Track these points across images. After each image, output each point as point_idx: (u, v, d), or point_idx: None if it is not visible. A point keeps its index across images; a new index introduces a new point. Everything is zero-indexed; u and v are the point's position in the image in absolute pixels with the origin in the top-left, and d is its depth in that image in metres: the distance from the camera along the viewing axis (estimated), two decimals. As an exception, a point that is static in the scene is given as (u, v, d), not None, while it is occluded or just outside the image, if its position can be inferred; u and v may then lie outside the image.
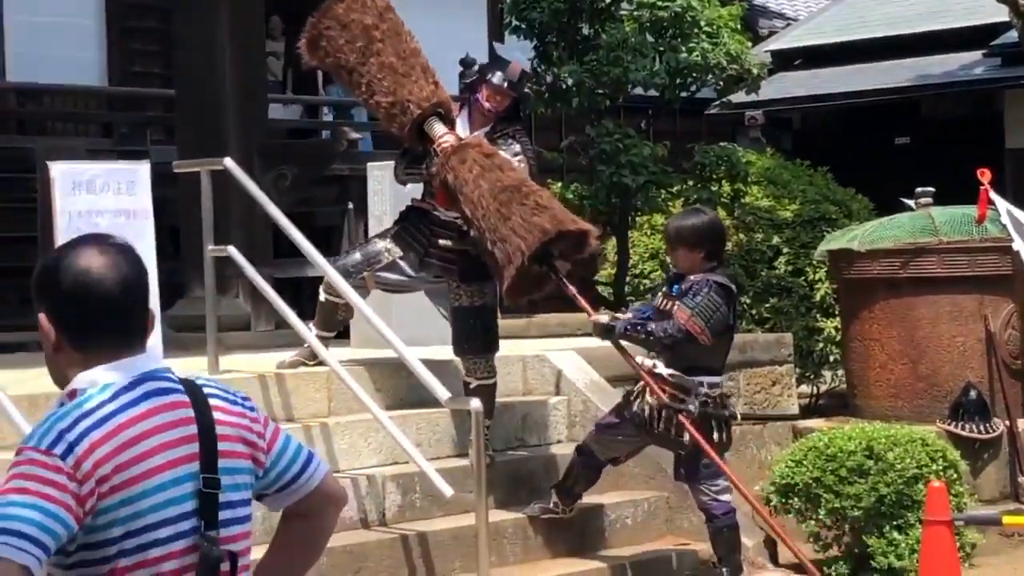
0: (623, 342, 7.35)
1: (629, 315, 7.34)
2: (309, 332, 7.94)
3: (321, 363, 7.89)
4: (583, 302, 7.50)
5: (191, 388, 3.06)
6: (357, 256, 7.95)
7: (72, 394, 2.99)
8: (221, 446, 3.05)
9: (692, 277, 7.29)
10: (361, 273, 7.78)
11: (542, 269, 7.32)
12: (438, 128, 7.48)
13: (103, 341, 2.99)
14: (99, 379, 2.97)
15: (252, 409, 3.16)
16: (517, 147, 7.65)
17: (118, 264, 3.01)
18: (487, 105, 7.65)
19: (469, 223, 7.34)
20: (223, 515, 3.04)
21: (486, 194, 7.23)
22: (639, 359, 7.41)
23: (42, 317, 3.01)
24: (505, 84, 7.62)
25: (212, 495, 3.01)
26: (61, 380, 3.05)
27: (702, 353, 7.22)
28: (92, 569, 2.92)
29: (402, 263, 7.77)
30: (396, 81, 7.51)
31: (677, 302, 7.21)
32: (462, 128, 7.69)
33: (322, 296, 7.91)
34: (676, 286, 7.37)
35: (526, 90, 7.81)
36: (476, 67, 7.94)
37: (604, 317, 7.41)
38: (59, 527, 2.83)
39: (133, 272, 3.03)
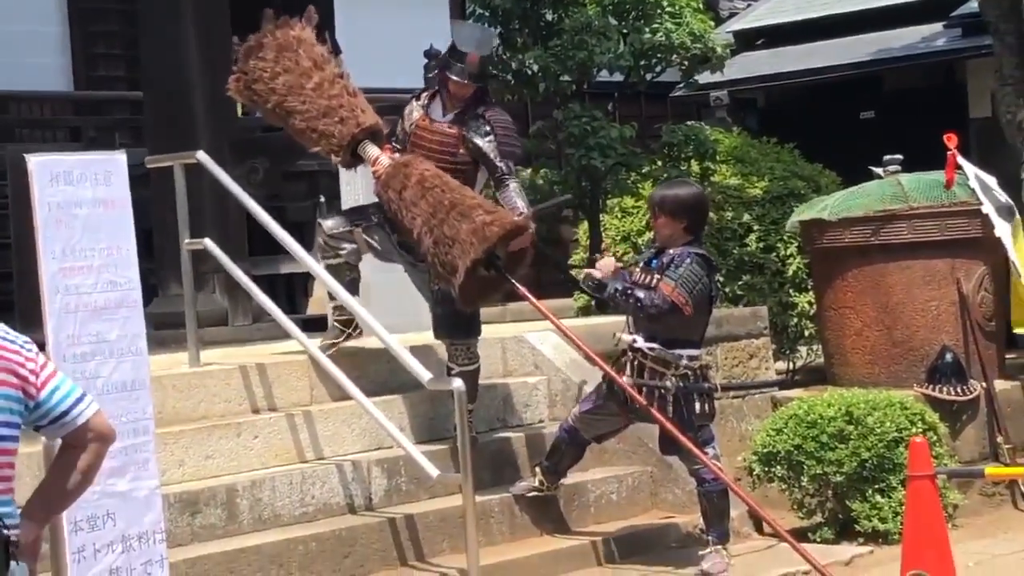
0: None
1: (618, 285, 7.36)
2: (290, 325, 7.99)
3: (356, 334, 7.99)
4: (535, 301, 7.60)
5: None
6: (346, 212, 8.14)
7: None
8: None
9: (671, 251, 7.36)
10: (349, 227, 7.83)
11: (490, 273, 7.40)
12: (371, 151, 7.65)
13: None
14: None
15: (30, 350, 3.80)
16: (487, 126, 7.74)
17: None
18: (454, 95, 7.78)
19: (415, 241, 7.44)
20: None
21: (424, 212, 7.35)
22: (619, 334, 7.48)
23: None
24: (466, 78, 7.71)
25: None
26: None
27: (682, 325, 7.29)
28: None
29: (387, 231, 7.83)
30: (308, 139, 7.74)
31: (659, 275, 7.26)
32: (438, 113, 7.79)
33: (321, 265, 7.85)
34: (654, 260, 7.43)
35: (491, 70, 7.91)
36: (438, 58, 8.02)
37: (598, 273, 7.45)
38: None
39: None
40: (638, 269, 7.52)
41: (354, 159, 7.76)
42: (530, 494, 7.78)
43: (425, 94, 7.98)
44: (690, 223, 7.42)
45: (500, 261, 7.42)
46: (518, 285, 7.52)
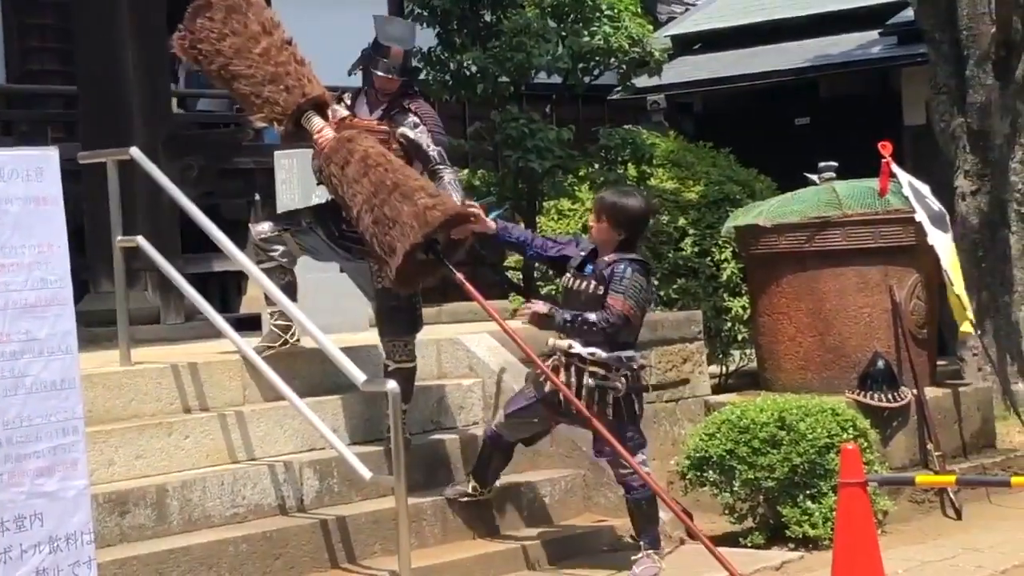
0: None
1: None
2: (223, 324, 7.92)
3: (295, 341, 7.94)
4: (471, 289, 7.58)
5: None
6: (276, 216, 8.10)
7: None
8: None
9: (607, 259, 7.35)
10: (279, 231, 7.77)
11: (428, 257, 7.39)
12: (315, 122, 7.60)
13: None
14: None
15: None
16: (415, 118, 7.73)
17: None
18: (380, 91, 7.78)
19: (355, 218, 7.41)
20: None
21: (366, 191, 7.31)
22: (553, 340, 7.47)
23: None
24: (391, 74, 7.70)
25: None
26: None
27: (624, 331, 7.30)
28: None
29: (320, 232, 7.80)
30: (251, 105, 7.67)
31: (595, 282, 7.27)
32: (364, 112, 7.78)
33: (257, 269, 7.80)
34: (588, 266, 7.42)
35: (416, 65, 7.86)
36: (360, 55, 7.96)
37: (543, 307, 7.43)
38: None
39: None
40: (569, 275, 7.51)
41: (297, 129, 7.69)
42: (463, 499, 7.76)
43: (348, 95, 7.95)
44: (629, 236, 7.44)
45: (439, 246, 7.42)
46: (455, 272, 7.51)
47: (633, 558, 7.42)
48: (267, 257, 7.76)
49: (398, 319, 7.79)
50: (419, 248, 7.27)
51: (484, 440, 7.78)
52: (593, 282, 7.33)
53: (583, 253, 7.55)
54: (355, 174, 7.37)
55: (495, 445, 7.73)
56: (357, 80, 8.06)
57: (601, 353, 7.29)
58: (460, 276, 7.52)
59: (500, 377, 8.78)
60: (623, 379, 7.30)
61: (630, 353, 7.37)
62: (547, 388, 7.45)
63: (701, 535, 7.35)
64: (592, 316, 7.24)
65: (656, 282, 11.97)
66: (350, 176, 7.38)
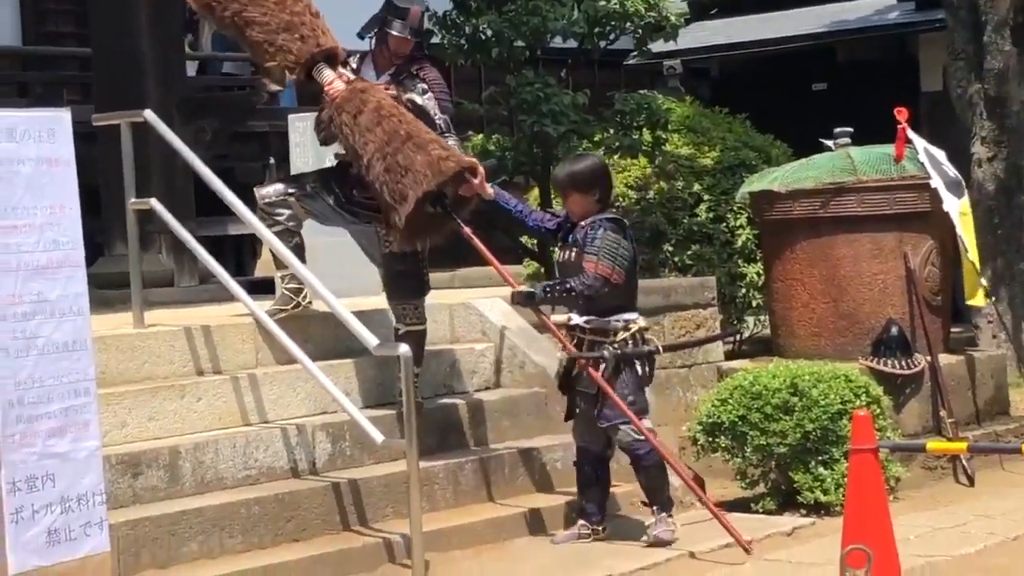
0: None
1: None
2: (236, 287, 7.92)
3: (306, 303, 7.94)
4: (479, 243, 7.60)
5: None
6: (282, 180, 8.14)
7: None
8: None
9: (583, 223, 7.37)
10: (283, 195, 7.76)
11: (437, 211, 7.39)
12: (327, 73, 7.58)
13: None
14: None
15: None
16: (423, 84, 7.71)
17: None
18: (395, 53, 7.75)
19: (365, 166, 7.40)
20: None
21: (379, 139, 7.29)
22: (555, 316, 7.49)
23: None
24: (406, 34, 7.69)
25: None
26: None
27: (613, 293, 7.30)
28: None
29: (326, 197, 7.80)
30: (263, 53, 7.62)
31: (582, 253, 7.27)
32: (371, 76, 7.75)
33: (269, 232, 7.80)
34: (570, 236, 7.45)
35: (430, 28, 7.81)
36: (373, 17, 7.92)
37: (523, 286, 7.44)
38: None
39: None
40: (558, 248, 7.55)
41: (308, 80, 7.67)
42: (578, 541, 7.50)
43: (353, 59, 7.92)
44: (601, 193, 7.46)
45: (447, 200, 7.42)
46: (463, 226, 7.52)
47: (647, 522, 7.43)
48: (273, 221, 7.75)
49: (405, 283, 7.80)
50: (430, 198, 7.28)
51: (576, 471, 7.66)
52: (576, 250, 7.36)
53: (567, 225, 7.54)
54: (368, 123, 7.37)
55: (584, 462, 7.58)
56: (362, 45, 8.02)
57: (597, 319, 7.31)
58: (467, 231, 7.53)
59: (513, 342, 8.77)
60: (625, 342, 7.30)
61: (627, 316, 7.38)
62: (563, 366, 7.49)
63: (708, 502, 7.35)
64: (571, 282, 7.27)
65: (670, 248, 11.97)
66: (363, 125, 7.38)
